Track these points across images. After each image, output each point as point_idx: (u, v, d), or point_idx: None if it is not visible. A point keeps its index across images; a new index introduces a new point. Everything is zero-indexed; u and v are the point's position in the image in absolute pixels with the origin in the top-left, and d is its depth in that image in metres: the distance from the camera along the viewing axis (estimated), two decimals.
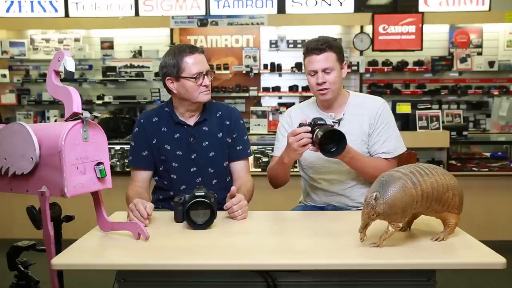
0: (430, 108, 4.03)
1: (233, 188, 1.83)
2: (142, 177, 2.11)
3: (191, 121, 2.09)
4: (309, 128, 1.85)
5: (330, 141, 1.80)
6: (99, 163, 1.53)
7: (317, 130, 1.82)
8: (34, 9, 5.52)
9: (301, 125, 1.88)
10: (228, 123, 2.13)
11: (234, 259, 1.43)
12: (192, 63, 1.99)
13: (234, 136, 2.14)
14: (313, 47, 2.04)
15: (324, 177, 2.16)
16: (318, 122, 1.87)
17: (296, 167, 2.18)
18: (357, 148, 2.04)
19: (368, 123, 2.10)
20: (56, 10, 5.51)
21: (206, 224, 1.69)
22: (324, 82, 2.04)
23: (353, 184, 2.14)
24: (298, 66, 5.38)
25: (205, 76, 2.01)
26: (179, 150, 2.08)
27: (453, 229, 1.53)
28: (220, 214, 1.79)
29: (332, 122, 2.08)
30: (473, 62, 5.39)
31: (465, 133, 4.17)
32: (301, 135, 1.84)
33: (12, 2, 5.53)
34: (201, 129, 2.09)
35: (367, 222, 1.44)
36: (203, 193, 1.70)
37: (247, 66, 5.51)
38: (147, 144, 2.10)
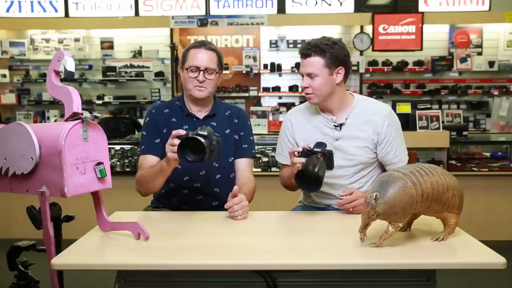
0: (430, 108, 4.02)
1: (235, 188, 1.84)
2: (152, 161, 2.08)
3: (201, 115, 2.14)
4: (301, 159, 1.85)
5: None
6: (99, 163, 1.53)
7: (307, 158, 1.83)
8: (34, 9, 5.52)
9: (303, 149, 1.87)
10: (236, 121, 2.18)
11: (234, 259, 1.43)
12: (193, 55, 2.05)
13: (241, 134, 2.18)
14: (301, 51, 2.02)
15: (325, 181, 2.13)
16: (314, 149, 1.86)
17: None
18: (362, 154, 2.04)
19: (375, 131, 2.03)
20: (56, 10, 5.51)
21: (198, 160, 1.67)
22: (307, 87, 2.01)
23: (355, 188, 2.12)
24: (298, 66, 5.33)
25: (202, 72, 2.03)
26: None
27: (453, 229, 1.53)
28: (220, 214, 1.79)
29: (334, 125, 2.06)
30: (473, 62, 5.39)
31: (465, 133, 4.18)
32: (294, 161, 1.86)
33: (12, 2, 5.53)
34: (210, 123, 2.11)
35: (367, 222, 1.44)
36: (206, 133, 1.69)
37: (247, 66, 5.51)
38: (158, 132, 2.12)
